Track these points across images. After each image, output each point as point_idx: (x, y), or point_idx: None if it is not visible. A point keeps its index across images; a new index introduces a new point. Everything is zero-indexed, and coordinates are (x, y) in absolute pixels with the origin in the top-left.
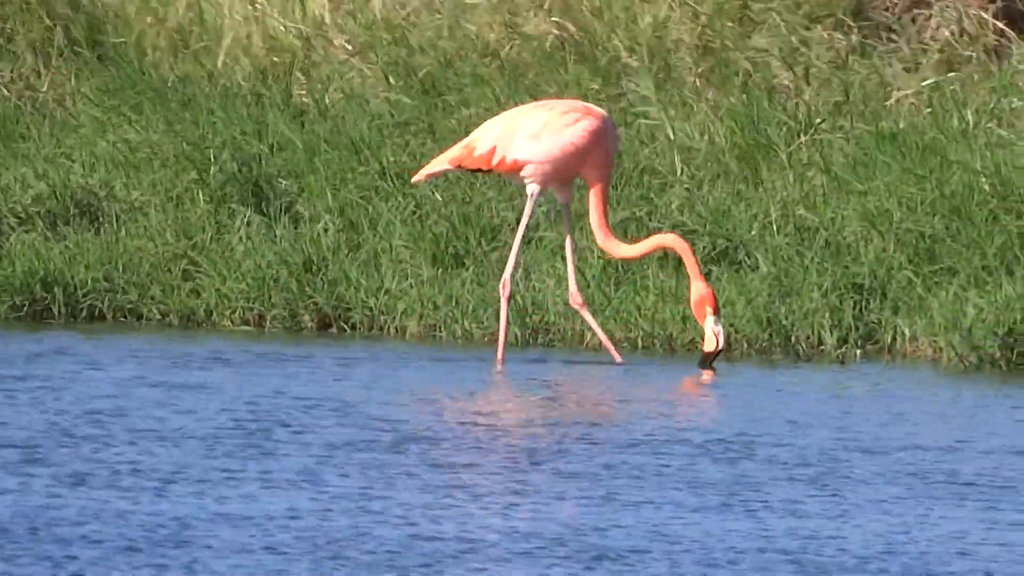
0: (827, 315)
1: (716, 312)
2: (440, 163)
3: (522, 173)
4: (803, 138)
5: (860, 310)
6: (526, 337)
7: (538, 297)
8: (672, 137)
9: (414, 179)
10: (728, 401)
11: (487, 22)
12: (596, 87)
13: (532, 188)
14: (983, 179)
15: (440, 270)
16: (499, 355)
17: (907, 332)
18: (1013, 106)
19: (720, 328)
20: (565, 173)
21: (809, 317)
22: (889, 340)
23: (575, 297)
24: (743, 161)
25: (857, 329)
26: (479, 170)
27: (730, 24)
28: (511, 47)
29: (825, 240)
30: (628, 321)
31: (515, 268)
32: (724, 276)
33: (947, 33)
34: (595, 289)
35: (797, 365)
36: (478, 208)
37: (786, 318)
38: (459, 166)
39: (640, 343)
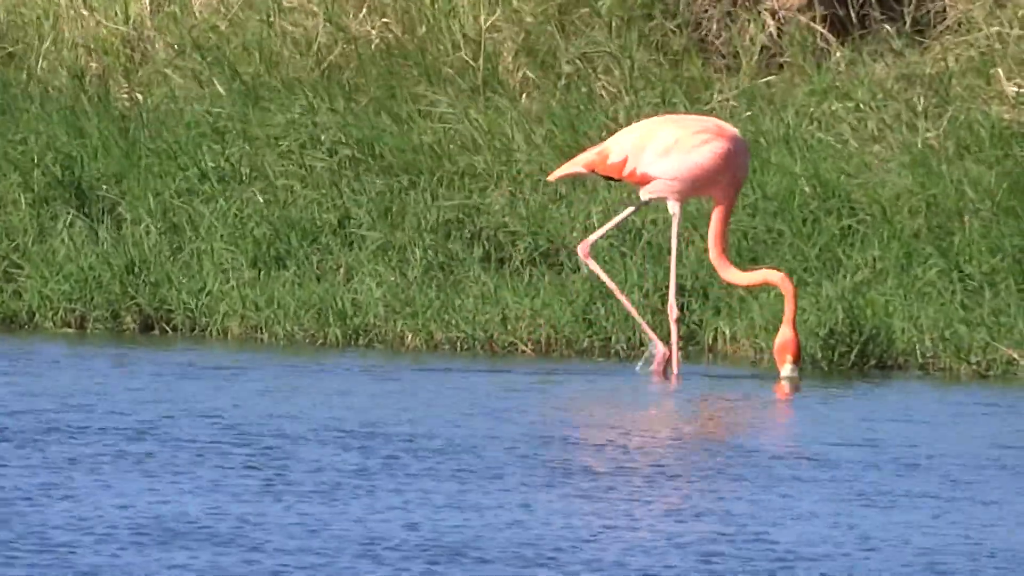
0: (648, 316)
1: (796, 360)
2: (575, 165)
3: (649, 188)
4: None
5: (681, 311)
6: (347, 338)
7: (359, 298)
8: (494, 139)
9: (550, 177)
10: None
11: (312, 24)
12: (421, 90)
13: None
14: (803, 181)
15: (261, 272)
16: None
17: (728, 333)
18: (832, 109)
19: (794, 376)
20: (693, 191)
21: (629, 319)
22: (710, 341)
23: (672, 311)
24: (565, 163)
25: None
26: (610, 178)
27: (552, 28)
28: (337, 49)
29: (647, 241)
30: (449, 323)
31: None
32: (545, 277)
33: (765, 38)
34: (416, 290)
35: (619, 366)
36: (300, 210)
37: (607, 319)
38: (592, 170)
39: (461, 345)
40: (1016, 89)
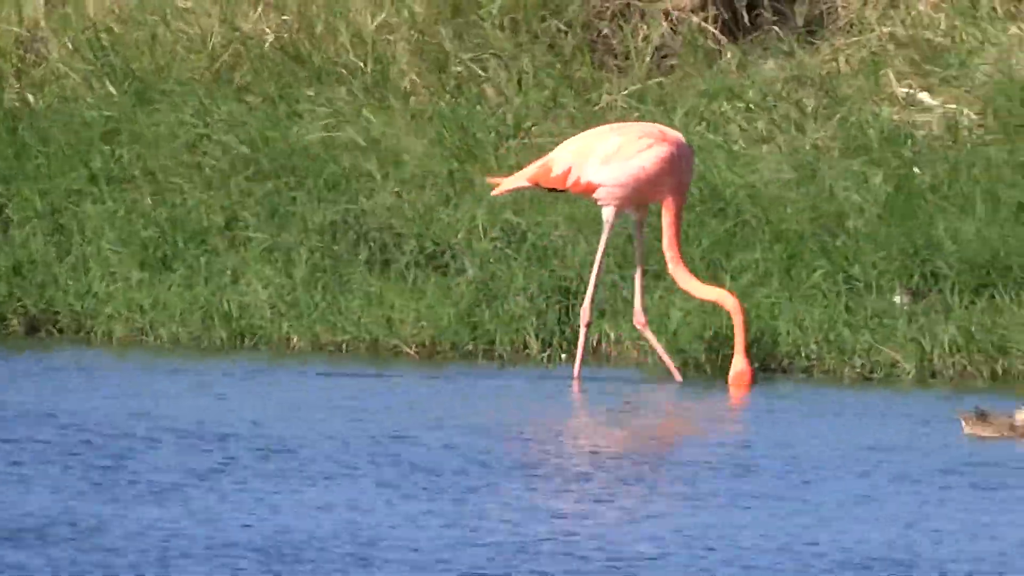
0: (532, 319)
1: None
2: (519, 179)
3: (595, 196)
4: (512, 142)
5: (566, 314)
6: (232, 340)
7: (245, 300)
8: (382, 141)
9: (493, 192)
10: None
11: (207, 23)
12: (311, 91)
13: (607, 213)
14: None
15: (149, 274)
16: (576, 369)
17: (613, 336)
18: (722, 110)
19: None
20: (637, 198)
21: (514, 322)
22: (595, 343)
23: (638, 317)
24: (453, 164)
25: (563, 333)
26: (555, 189)
27: (443, 28)
28: (230, 49)
29: (532, 244)
30: (335, 325)
31: (594, 296)
32: (431, 280)
33: (657, 38)
34: (302, 291)
35: (501, 369)
36: (188, 212)
37: (491, 322)
38: (537, 184)
39: (346, 347)
40: (906, 90)
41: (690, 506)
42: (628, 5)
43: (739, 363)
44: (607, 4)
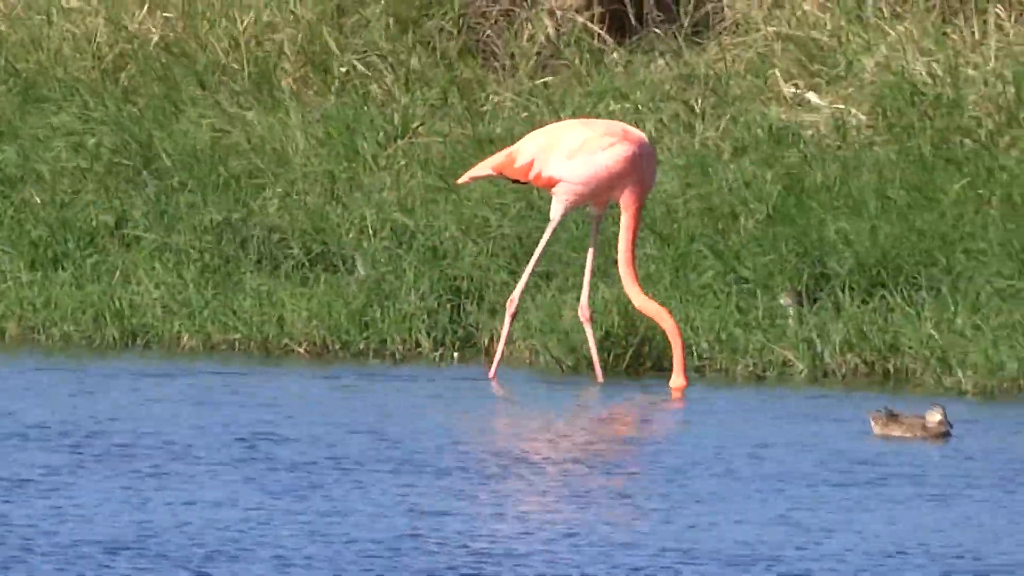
0: (424, 318)
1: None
2: (483, 168)
3: (554, 191)
4: (400, 142)
5: (457, 313)
6: (124, 338)
7: (136, 299)
8: (268, 140)
9: (459, 181)
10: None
11: (92, 23)
12: (197, 91)
13: (556, 210)
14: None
15: (39, 273)
16: (493, 367)
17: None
18: (610, 110)
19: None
20: (597, 196)
21: (406, 320)
22: (486, 343)
23: (583, 311)
24: (340, 165)
25: (454, 332)
26: (517, 181)
27: (328, 28)
28: (116, 49)
29: (422, 244)
30: (226, 324)
31: (524, 287)
32: (321, 280)
33: (543, 38)
34: (193, 291)
35: (394, 368)
36: (77, 211)
37: (382, 321)
38: (500, 173)
39: (238, 345)
40: (793, 90)
41: (560, 503)
42: (513, 5)
43: (677, 380)
44: (492, 4)
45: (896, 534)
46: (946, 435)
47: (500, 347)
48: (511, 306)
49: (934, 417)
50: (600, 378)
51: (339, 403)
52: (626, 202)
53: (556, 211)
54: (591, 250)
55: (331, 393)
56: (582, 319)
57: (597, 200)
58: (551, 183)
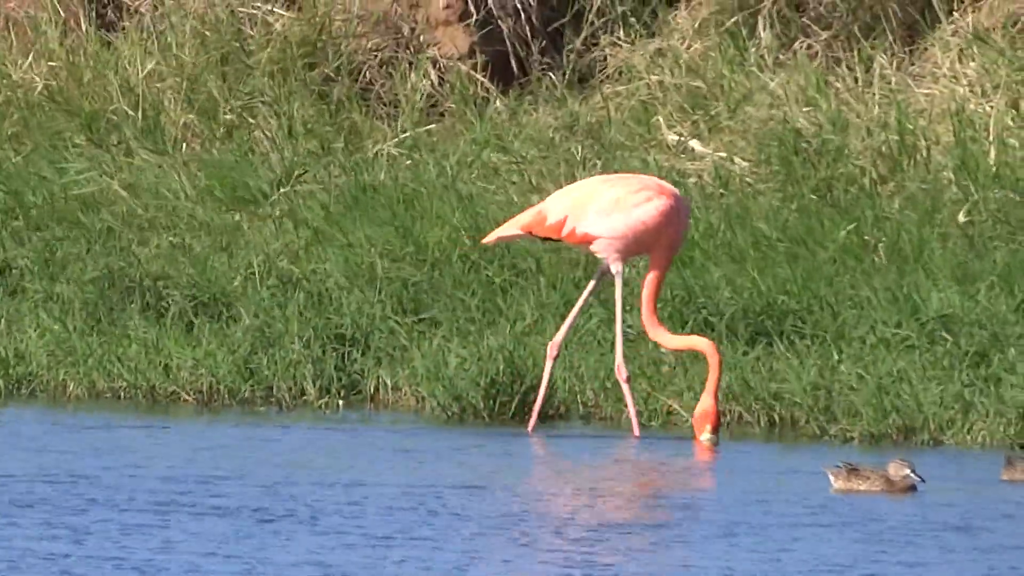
0: (309, 366)
1: (715, 430)
2: (511, 228)
3: (592, 247)
4: (283, 190)
5: (343, 360)
6: (9, 387)
7: (21, 348)
8: (154, 188)
9: (484, 240)
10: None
11: None
12: (79, 140)
13: (616, 267)
14: (463, 231)
15: None
16: (532, 422)
17: (390, 382)
18: (493, 159)
19: (713, 438)
20: (635, 250)
21: (291, 368)
22: (372, 390)
23: (620, 371)
24: (225, 213)
25: (340, 380)
26: (549, 238)
27: (212, 76)
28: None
29: (307, 291)
30: (112, 372)
31: (567, 333)
32: (206, 328)
33: (427, 85)
34: (77, 339)
35: (279, 415)
36: None
37: (268, 368)
38: (529, 232)
39: (123, 395)
40: (677, 138)
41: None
42: (396, 53)
43: (706, 402)
44: (375, 52)
45: None
46: (912, 488)
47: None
48: (553, 350)
49: (900, 471)
50: (637, 432)
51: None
52: (657, 255)
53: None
54: (618, 308)
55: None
56: (619, 379)
57: (633, 253)
58: (587, 239)
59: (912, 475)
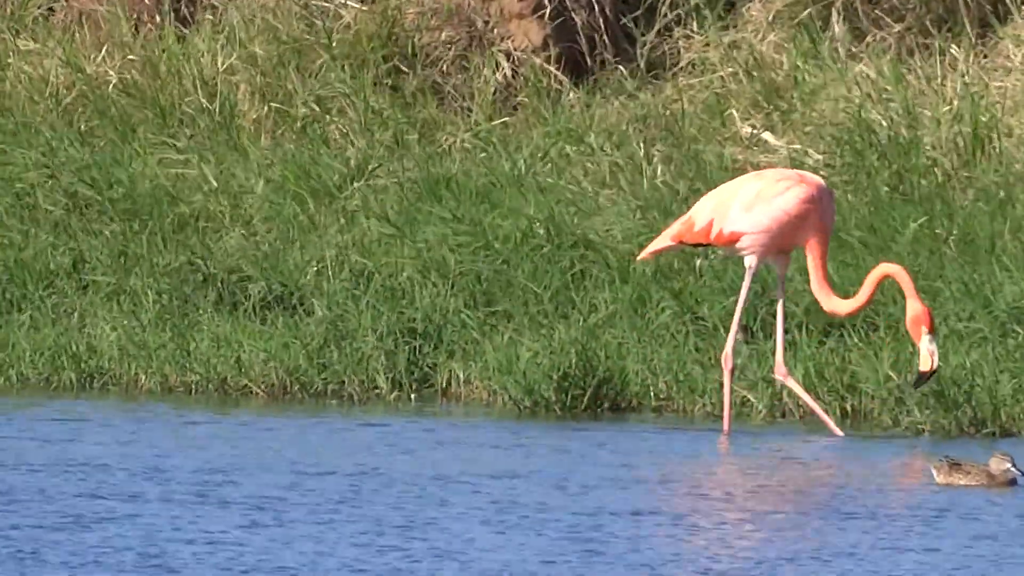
0: (381, 359)
1: (931, 331)
2: (663, 240)
3: (738, 245)
4: (357, 184)
5: (415, 354)
6: (81, 381)
7: (93, 342)
8: (228, 182)
9: (639, 257)
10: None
11: (49, 64)
12: (152, 134)
13: (750, 261)
14: (536, 224)
15: None
16: (725, 426)
17: (462, 376)
18: (566, 152)
19: (935, 347)
20: (781, 242)
21: (363, 362)
22: (444, 384)
23: (780, 368)
24: (299, 206)
25: (412, 373)
26: (699, 244)
27: (287, 70)
28: (75, 91)
29: (380, 284)
30: (184, 366)
31: (735, 342)
32: (280, 320)
33: (500, 79)
34: (150, 333)
35: (350, 409)
36: (34, 254)
37: (340, 362)
38: (681, 241)
39: (195, 388)
40: (750, 129)
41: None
42: (471, 45)
43: (915, 306)
44: (449, 44)
45: None
46: (1013, 482)
47: (726, 404)
48: (727, 363)
49: (1001, 465)
50: (837, 431)
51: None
52: (811, 246)
53: (750, 262)
54: (780, 305)
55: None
56: (779, 377)
57: (782, 246)
58: (734, 238)
59: (1013, 469)
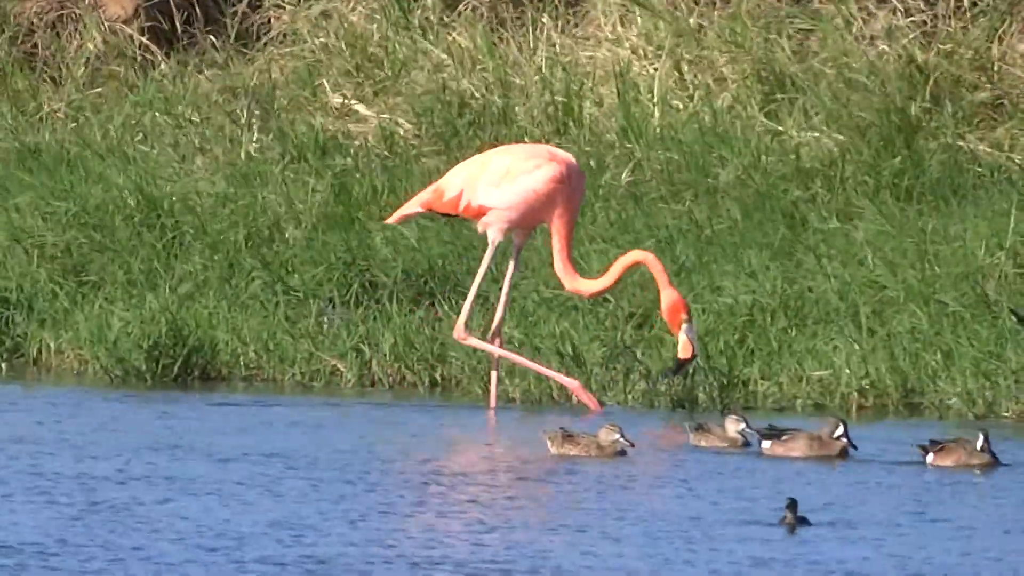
0: None
1: (689, 319)
2: (412, 206)
3: (484, 219)
4: None
5: (6, 324)
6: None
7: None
8: None
9: (388, 220)
10: None
11: None
12: None
13: (493, 234)
14: (126, 193)
15: None
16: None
17: (52, 345)
18: (156, 122)
19: (694, 335)
20: (527, 219)
21: None
22: (35, 353)
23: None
24: None
25: (3, 343)
26: (449, 214)
27: None
28: None
29: None
30: None
31: (469, 316)
32: None
33: (92, 47)
34: None
35: None
36: None
37: None
38: (430, 209)
39: None
40: (341, 99)
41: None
42: (62, 16)
43: (671, 295)
44: (42, 15)
45: None
46: (622, 453)
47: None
48: (462, 336)
49: (610, 436)
50: (493, 403)
51: None
52: (556, 225)
53: (493, 236)
54: (509, 274)
55: None
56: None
57: (528, 223)
58: (481, 212)
59: (622, 440)
